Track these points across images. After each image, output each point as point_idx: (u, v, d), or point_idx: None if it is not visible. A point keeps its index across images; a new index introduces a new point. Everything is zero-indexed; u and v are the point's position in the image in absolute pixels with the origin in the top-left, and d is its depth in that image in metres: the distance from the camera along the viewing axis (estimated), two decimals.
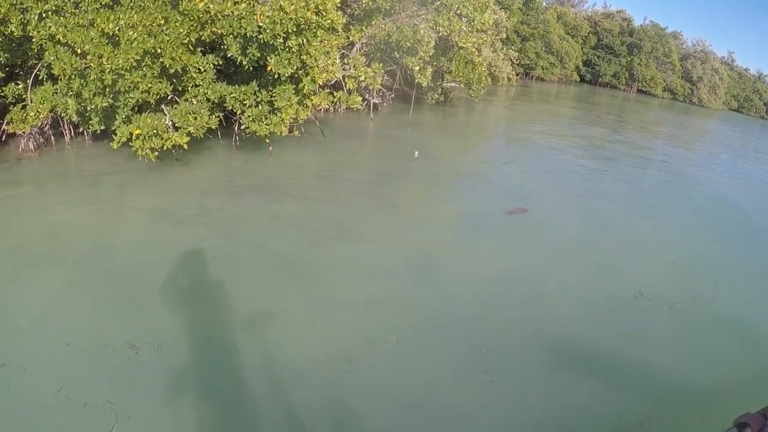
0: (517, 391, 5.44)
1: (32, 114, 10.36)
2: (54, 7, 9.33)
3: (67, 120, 11.55)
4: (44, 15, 9.31)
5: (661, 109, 46.79)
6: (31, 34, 9.34)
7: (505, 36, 33.89)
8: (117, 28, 9.20)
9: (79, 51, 9.10)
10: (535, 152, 17.59)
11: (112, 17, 9.17)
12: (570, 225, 10.70)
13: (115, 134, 9.81)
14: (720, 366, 6.48)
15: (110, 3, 9.57)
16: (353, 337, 5.93)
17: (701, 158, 23.21)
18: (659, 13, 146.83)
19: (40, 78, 10.79)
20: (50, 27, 9.14)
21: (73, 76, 9.51)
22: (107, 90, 9.46)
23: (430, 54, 15.83)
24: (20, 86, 11.09)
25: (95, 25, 9.16)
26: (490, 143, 19.15)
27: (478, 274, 7.92)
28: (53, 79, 10.53)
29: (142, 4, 9.74)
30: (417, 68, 16.12)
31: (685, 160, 21.64)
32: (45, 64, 10.10)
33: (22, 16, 9.26)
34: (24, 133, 10.81)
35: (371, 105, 18.53)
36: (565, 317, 6.99)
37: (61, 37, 9.08)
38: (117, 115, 9.88)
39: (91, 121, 10.25)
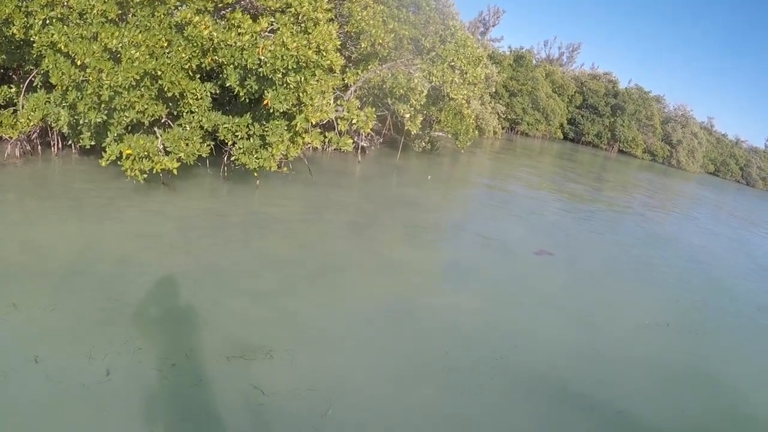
0: None
1: (23, 120, 10.28)
2: (59, 15, 9.32)
3: (56, 131, 11.46)
4: (48, 21, 9.30)
5: (641, 169, 48.13)
6: (32, 39, 9.32)
7: (494, 90, 34.75)
8: (120, 45, 9.20)
9: (79, 63, 9.07)
10: (520, 204, 17.95)
11: (116, 33, 9.19)
12: (558, 276, 11.04)
13: (105, 151, 9.76)
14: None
15: (116, 19, 9.59)
16: (334, 377, 5.91)
17: (680, 218, 24.18)
18: (644, 77, 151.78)
19: (35, 84, 10.75)
20: (53, 34, 9.11)
21: (69, 88, 9.46)
22: (102, 106, 9.43)
23: (422, 103, 16.15)
24: (13, 90, 11.03)
25: (99, 39, 9.15)
26: (475, 192, 19.46)
27: (465, 316, 8.08)
28: (47, 87, 10.46)
29: (148, 25, 9.78)
30: (408, 115, 16.44)
31: (663, 219, 22.47)
32: (42, 71, 10.05)
33: (25, 19, 9.26)
34: (11, 138, 10.70)
35: (359, 147, 18.76)
36: (557, 365, 7.26)
37: (62, 46, 9.06)
38: (109, 133, 9.82)
39: (82, 135, 10.16)
